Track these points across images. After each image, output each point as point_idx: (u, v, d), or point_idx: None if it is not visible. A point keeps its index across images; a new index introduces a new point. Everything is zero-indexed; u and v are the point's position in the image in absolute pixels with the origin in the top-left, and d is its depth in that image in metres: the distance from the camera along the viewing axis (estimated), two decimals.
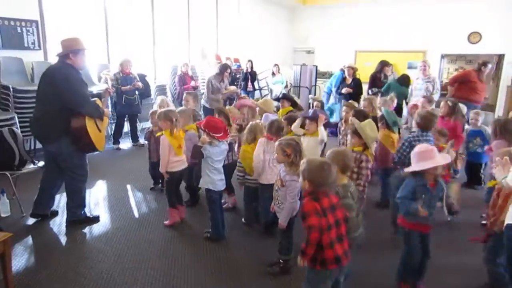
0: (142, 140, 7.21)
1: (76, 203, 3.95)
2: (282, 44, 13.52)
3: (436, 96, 6.81)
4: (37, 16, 6.21)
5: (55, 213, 4.14)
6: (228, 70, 6.93)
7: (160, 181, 4.96)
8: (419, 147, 2.71)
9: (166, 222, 3.99)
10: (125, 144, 7.24)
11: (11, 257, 2.81)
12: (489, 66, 7.00)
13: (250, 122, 3.98)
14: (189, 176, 4.26)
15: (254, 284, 3.03)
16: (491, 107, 12.10)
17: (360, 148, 3.22)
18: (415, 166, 2.60)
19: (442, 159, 2.64)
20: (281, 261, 3.13)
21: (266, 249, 3.47)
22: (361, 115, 4.11)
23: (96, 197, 4.73)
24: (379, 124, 4.57)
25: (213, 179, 3.50)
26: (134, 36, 8.37)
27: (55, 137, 3.63)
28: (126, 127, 7.37)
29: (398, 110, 6.27)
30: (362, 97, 6.63)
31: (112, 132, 7.13)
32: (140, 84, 6.92)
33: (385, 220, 3.85)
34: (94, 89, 6.73)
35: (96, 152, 4.04)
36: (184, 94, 5.47)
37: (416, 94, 7.00)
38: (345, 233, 2.34)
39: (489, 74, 7.05)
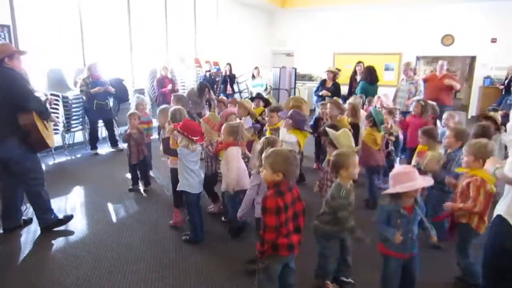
0: (121, 145, 7.12)
1: (42, 208, 3.85)
2: (262, 47, 13.59)
3: (418, 98, 6.90)
4: (8, 20, 6.07)
5: (29, 221, 4.03)
6: (206, 90, 6.86)
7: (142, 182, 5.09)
8: (397, 169, 2.53)
9: (170, 222, 4.02)
10: (104, 149, 7.13)
11: None
12: (439, 63, 7.24)
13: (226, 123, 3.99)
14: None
15: (233, 283, 3.03)
16: (464, 107, 12.46)
17: None
18: (395, 188, 2.39)
19: (423, 181, 2.43)
20: None
21: (245, 248, 3.47)
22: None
23: (73, 203, 4.63)
24: (366, 122, 4.68)
25: (189, 182, 3.48)
26: (111, 40, 8.26)
27: (2, 138, 3.49)
28: (104, 132, 7.27)
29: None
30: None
31: (88, 138, 7.03)
32: (111, 88, 6.78)
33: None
34: (70, 94, 6.66)
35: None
36: (172, 96, 5.49)
37: (400, 95, 7.15)
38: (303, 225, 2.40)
39: (441, 70, 7.19)
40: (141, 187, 5.07)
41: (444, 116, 5.16)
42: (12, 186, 3.78)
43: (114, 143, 7.18)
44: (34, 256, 3.46)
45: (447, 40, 11.98)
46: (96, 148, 6.91)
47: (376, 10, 12.30)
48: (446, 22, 11.73)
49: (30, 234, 3.84)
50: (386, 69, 12.71)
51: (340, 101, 5.55)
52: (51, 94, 5.89)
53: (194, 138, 3.34)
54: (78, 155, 6.78)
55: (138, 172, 5.05)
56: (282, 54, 14.41)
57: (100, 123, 7.07)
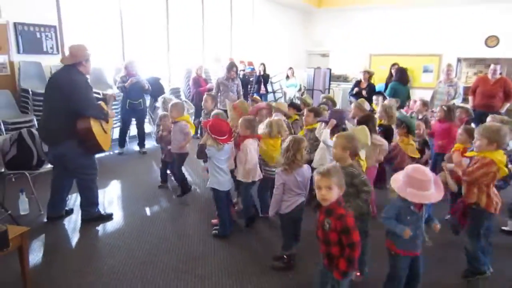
0: (147, 147, 7.15)
1: (89, 201, 4.08)
2: (297, 47, 13.58)
3: (457, 101, 6.78)
4: (55, 21, 6.42)
5: (70, 212, 4.28)
6: (234, 69, 6.97)
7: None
8: (416, 170, 2.39)
9: (213, 221, 4.04)
10: (136, 146, 7.28)
11: (28, 251, 2.93)
12: (491, 67, 6.95)
13: (268, 118, 4.14)
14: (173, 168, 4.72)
15: (259, 278, 3.10)
16: (510, 113, 11.86)
17: None
18: (407, 194, 2.33)
19: (435, 195, 2.34)
20: (285, 256, 3.21)
21: (272, 244, 3.56)
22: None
23: (110, 196, 4.86)
24: (397, 130, 4.57)
25: (219, 179, 3.60)
26: (149, 40, 8.55)
27: (61, 140, 3.73)
28: (134, 130, 7.27)
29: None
30: (378, 105, 6.65)
31: (118, 136, 7.05)
32: (145, 83, 6.73)
33: None
34: (110, 93, 6.93)
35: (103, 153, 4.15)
36: (205, 95, 5.59)
37: (438, 97, 6.97)
38: None
39: (494, 74, 6.87)
40: (169, 185, 5.19)
41: (488, 119, 4.96)
42: (63, 177, 4.02)
43: (142, 144, 7.06)
44: (74, 245, 3.67)
45: (491, 41, 11.47)
46: (123, 146, 6.94)
47: (415, 9, 11.98)
48: (490, 23, 11.24)
49: (71, 223, 4.07)
50: (425, 71, 12.37)
51: (367, 105, 5.49)
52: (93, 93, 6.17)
53: (219, 138, 3.43)
54: (116, 151, 7.05)
55: (169, 172, 5.18)
56: (317, 54, 14.32)
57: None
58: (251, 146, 3.72)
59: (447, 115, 4.84)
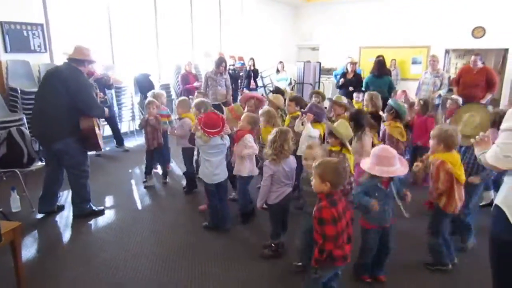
0: (127, 144, 7.11)
1: (82, 197, 4.12)
2: (286, 41, 13.60)
3: (443, 91, 6.91)
4: (42, 19, 6.39)
5: (61, 208, 4.32)
6: (223, 64, 6.98)
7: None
8: (381, 149, 2.67)
9: (200, 207, 4.23)
10: (129, 142, 7.35)
11: (21, 246, 2.95)
12: (472, 58, 6.99)
13: (263, 108, 4.24)
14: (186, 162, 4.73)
15: (247, 266, 3.19)
16: (495, 102, 12.03)
17: (337, 148, 3.36)
18: (377, 171, 2.58)
19: (401, 169, 2.59)
20: (273, 244, 3.30)
21: (261, 234, 3.64)
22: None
23: (102, 192, 4.88)
24: (386, 115, 4.74)
25: (204, 172, 3.65)
26: (138, 37, 8.53)
27: (62, 136, 3.77)
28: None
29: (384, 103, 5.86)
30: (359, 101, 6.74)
31: None
32: (110, 80, 6.49)
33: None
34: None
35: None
36: (196, 93, 5.60)
37: (424, 88, 7.05)
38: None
39: (475, 65, 6.88)
40: (154, 178, 5.21)
41: None
42: (56, 173, 4.07)
43: (119, 142, 6.91)
44: (66, 240, 3.72)
45: (478, 32, 11.59)
46: None
47: (403, 2, 12.07)
48: (476, 14, 11.36)
49: (63, 219, 4.12)
50: (414, 62, 12.49)
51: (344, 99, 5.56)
52: None
53: (208, 130, 3.47)
54: (107, 148, 7.05)
55: (157, 163, 5.25)
56: (307, 48, 14.37)
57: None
58: (250, 141, 3.74)
59: (422, 109, 4.95)
